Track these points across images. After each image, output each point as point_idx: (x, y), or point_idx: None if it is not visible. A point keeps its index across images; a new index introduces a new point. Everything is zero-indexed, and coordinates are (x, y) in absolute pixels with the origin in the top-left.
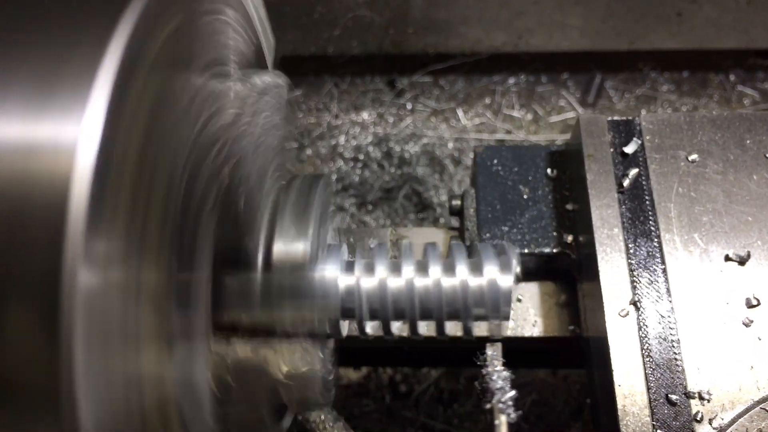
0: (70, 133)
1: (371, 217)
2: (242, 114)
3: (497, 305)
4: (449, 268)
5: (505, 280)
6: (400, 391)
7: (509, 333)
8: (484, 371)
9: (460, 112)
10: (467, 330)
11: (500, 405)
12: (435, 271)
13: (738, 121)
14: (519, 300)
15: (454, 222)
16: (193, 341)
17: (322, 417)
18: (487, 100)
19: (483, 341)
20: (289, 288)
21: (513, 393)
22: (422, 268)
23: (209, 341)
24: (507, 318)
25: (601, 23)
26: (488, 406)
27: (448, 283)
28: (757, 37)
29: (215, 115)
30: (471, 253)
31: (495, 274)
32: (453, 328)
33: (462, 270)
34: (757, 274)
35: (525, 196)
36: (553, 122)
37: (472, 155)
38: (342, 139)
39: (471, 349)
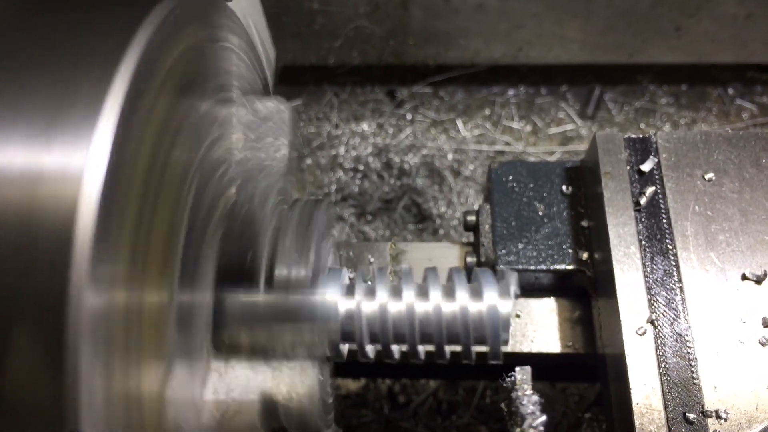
0: (78, 160)
1: (370, 228)
2: (245, 139)
3: (497, 331)
4: (449, 293)
5: (504, 306)
6: (399, 402)
7: (527, 349)
8: (513, 395)
9: (459, 123)
10: (467, 355)
11: (531, 430)
12: (435, 295)
13: (754, 140)
14: (518, 316)
15: (453, 234)
16: (192, 360)
17: None
18: (487, 112)
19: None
20: (290, 310)
21: (544, 418)
22: (423, 293)
23: (209, 361)
24: (506, 343)
25: (600, 36)
26: (518, 430)
27: (449, 308)
28: (755, 51)
29: (219, 140)
30: (470, 278)
31: (495, 300)
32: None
33: (462, 295)
34: None
35: (540, 213)
36: (552, 134)
37: (486, 171)
38: (342, 150)
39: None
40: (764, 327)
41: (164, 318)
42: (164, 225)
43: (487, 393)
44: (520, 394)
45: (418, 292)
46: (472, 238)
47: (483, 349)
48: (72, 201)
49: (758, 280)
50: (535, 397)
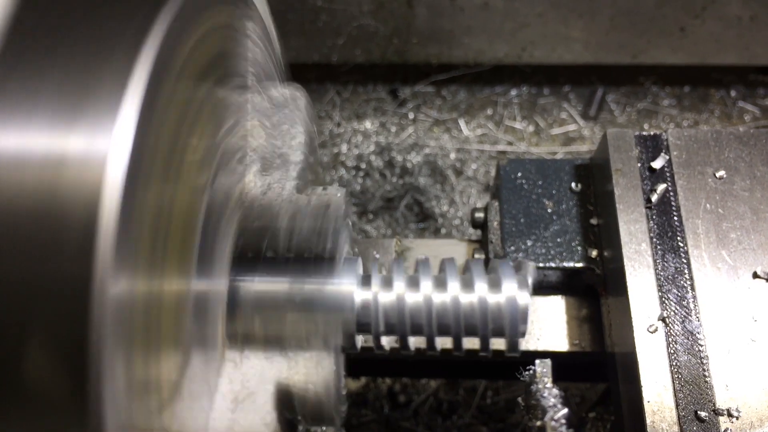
0: (101, 145)
1: (372, 227)
2: (261, 126)
3: (515, 322)
4: (467, 285)
5: (523, 297)
6: (399, 402)
7: (533, 347)
8: (533, 388)
9: (462, 123)
10: (485, 347)
11: (553, 423)
12: (453, 287)
13: (765, 138)
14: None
15: (455, 234)
16: (208, 350)
17: (323, 428)
18: (489, 111)
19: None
20: (305, 299)
21: (566, 411)
22: (440, 284)
23: (224, 350)
24: (523, 335)
25: (605, 37)
26: (539, 423)
27: (467, 299)
28: (758, 54)
29: (235, 126)
30: (488, 269)
31: (513, 291)
32: (469, 342)
33: (481, 287)
34: None
35: (549, 210)
36: (555, 134)
37: (488, 171)
38: (344, 148)
39: (471, 361)
40: None
41: (182, 306)
42: (183, 211)
43: (487, 393)
44: (540, 386)
45: (435, 283)
46: (475, 237)
47: (500, 346)
48: (96, 186)
49: None
50: (556, 390)
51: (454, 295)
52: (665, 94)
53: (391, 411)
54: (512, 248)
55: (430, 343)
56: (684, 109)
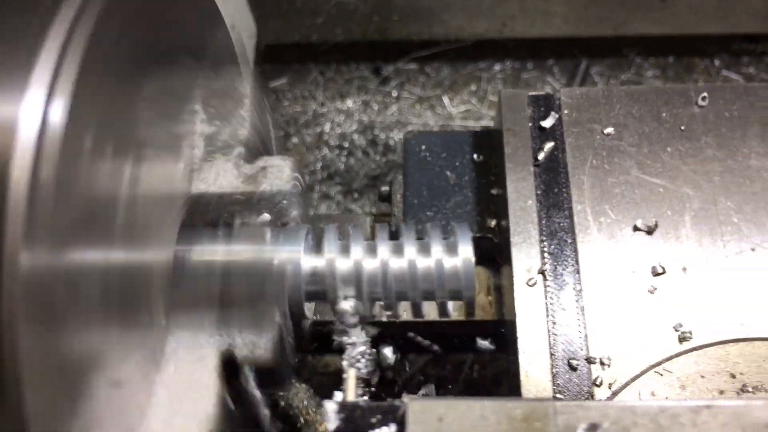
0: (10, 113)
1: (357, 205)
2: (204, 108)
3: (471, 284)
4: (425, 249)
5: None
6: (387, 378)
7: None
8: (338, 326)
9: (446, 99)
10: (443, 310)
11: (351, 359)
12: (410, 251)
13: (655, 95)
14: None
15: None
16: (148, 317)
17: (305, 402)
18: (473, 87)
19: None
20: (250, 266)
21: (363, 348)
22: (397, 250)
23: (167, 318)
24: (474, 297)
25: (584, 10)
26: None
27: (424, 263)
28: (740, 22)
29: (178, 110)
30: (422, 232)
31: (469, 254)
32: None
33: (437, 250)
34: (664, 244)
35: (451, 182)
36: None
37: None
38: (327, 127)
39: (457, 334)
40: (653, 276)
41: (114, 276)
42: (109, 184)
43: (474, 367)
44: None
45: (392, 248)
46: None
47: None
48: (5, 154)
49: (649, 231)
50: (358, 329)
51: (411, 259)
52: (649, 65)
53: (379, 387)
54: (413, 221)
55: (389, 308)
56: (668, 79)
